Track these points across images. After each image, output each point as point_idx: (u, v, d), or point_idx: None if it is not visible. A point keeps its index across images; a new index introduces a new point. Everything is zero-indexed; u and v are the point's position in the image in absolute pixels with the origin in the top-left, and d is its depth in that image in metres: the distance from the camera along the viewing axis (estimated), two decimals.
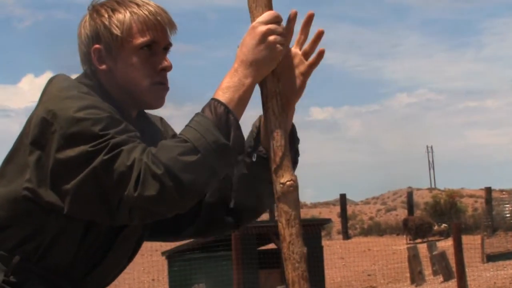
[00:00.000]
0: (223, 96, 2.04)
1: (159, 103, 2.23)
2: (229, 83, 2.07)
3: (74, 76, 2.22)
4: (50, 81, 2.16)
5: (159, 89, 2.19)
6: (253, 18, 2.11)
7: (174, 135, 2.36)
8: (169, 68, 2.20)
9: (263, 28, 2.09)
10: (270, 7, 2.12)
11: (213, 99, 2.05)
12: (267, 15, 2.10)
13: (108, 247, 2.17)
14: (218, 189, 2.28)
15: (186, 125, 2.03)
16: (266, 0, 2.12)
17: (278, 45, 2.09)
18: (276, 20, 2.11)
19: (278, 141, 2.07)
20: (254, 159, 2.24)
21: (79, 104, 2.02)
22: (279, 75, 2.12)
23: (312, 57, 2.22)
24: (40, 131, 2.04)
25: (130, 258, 2.31)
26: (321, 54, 2.21)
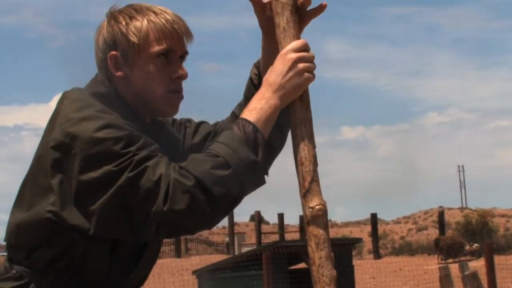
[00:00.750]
0: (250, 116, 2.07)
1: (173, 111, 2.25)
2: (256, 104, 2.09)
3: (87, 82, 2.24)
4: (62, 99, 2.16)
5: (174, 97, 2.21)
6: (281, 48, 2.14)
7: (176, 119, 2.42)
8: (184, 76, 2.22)
9: (293, 55, 2.10)
10: (298, 38, 2.14)
11: (241, 118, 2.07)
12: (296, 43, 2.12)
13: (139, 254, 2.19)
14: None
15: (215, 141, 2.04)
16: (294, 31, 2.15)
17: (306, 73, 2.11)
18: (305, 48, 2.12)
19: (307, 166, 2.08)
20: None
21: (97, 124, 2.02)
22: (307, 102, 2.14)
23: (313, 8, 2.22)
24: (60, 154, 2.04)
25: (157, 254, 2.34)
26: (322, 8, 2.23)
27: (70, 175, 2.02)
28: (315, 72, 2.15)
